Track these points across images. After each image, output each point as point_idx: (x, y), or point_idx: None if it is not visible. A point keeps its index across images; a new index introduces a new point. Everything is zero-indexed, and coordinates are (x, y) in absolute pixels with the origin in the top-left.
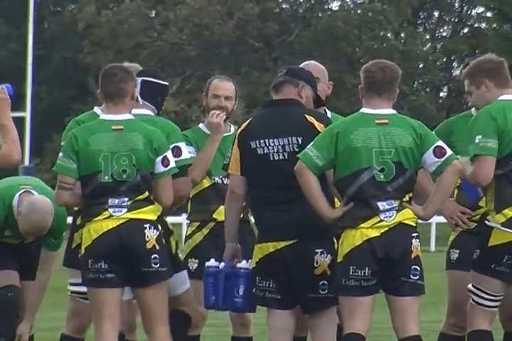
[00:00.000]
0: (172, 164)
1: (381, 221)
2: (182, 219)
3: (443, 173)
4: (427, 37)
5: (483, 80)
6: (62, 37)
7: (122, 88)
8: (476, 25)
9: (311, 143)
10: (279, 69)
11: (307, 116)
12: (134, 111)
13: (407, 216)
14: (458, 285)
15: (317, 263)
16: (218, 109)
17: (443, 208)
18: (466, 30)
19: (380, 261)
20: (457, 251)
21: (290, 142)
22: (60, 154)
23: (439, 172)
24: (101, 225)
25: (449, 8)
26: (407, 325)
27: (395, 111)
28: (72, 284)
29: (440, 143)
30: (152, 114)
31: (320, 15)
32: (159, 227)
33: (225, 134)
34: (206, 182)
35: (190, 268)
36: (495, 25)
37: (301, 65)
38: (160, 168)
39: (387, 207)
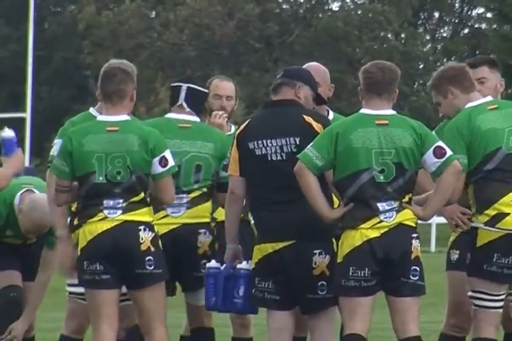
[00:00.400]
0: (171, 163)
1: (381, 221)
2: None
3: (443, 174)
4: (428, 37)
5: (449, 88)
6: (63, 37)
7: (122, 89)
8: (476, 25)
9: (311, 144)
10: (280, 69)
11: (305, 117)
12: (185, 117)
13: (407, 216)
14: (458, 286)
15: (315, 264)
16: (221, 109)
17: (443, 209)
18: (466, 30)
19: (380, 262)
20: (457, 251)
21: (288, 142)
22: (56, 155)
23: (439, 173)
24: (96, 227)
25: (449, 8)
26: (407, 326)
27: (394, 112)
28: (69, 285)
29: (440, 143)
30: (198, 119)
31: (320, 15)
32: (155, 229)
33: (226, 134)
34: None
35: None
36: (495, 26)
37: (303, 67)
38: (158, 169)
39: (387, 207)
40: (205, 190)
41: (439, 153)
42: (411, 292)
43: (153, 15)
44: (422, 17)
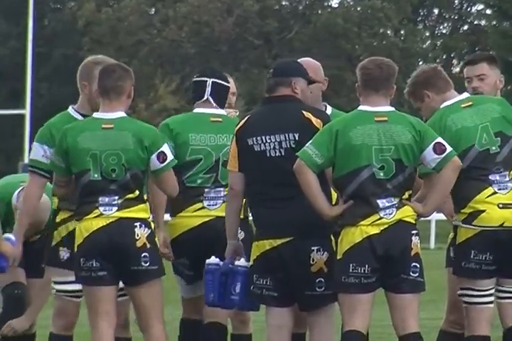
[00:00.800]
0: (170, 157)
1: (381, 218)
2: None
3: (443, 170)
4: (427, 34)
5: (424, 92)
6: (63, 34)
7: (120, 85)
8: (475, 22)
9: (310, 141)
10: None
11: (304, 112)
12: (214, 111)
13: (406, 213)
14: (458, 283)
15: (313, 261)
16: (228, 106)
17: (443, 205)
18: (465, 27)
19: (380, 259)
20: None
21: (287, 138)
22: (53, 151)
23: (439, 169)
24: (91, 224)
25: (448, 5)
26: (407, 322)
27: (393, 108)
28: (56, 283)
29: (440, 139)
30: (226, 114)
31: (319, 12)
32: (151, 225)
33: None
34: None
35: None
36: (494, 23)
37: None
38: (157, 165)
39: (387, 204)
40: None
41: (439, 149)
42: (411, 288)
43: (153, 12)
44: (422, 13)
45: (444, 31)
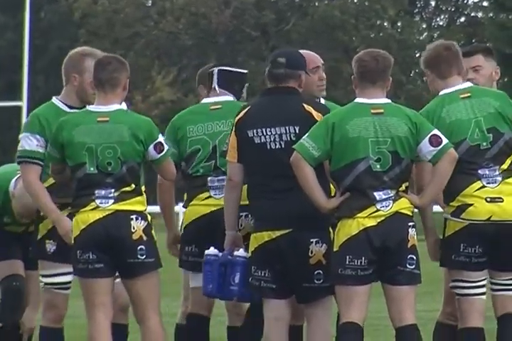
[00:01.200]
0: (166, 147)
1: (377, 210)
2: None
3: (439, 162)
4: (424, 26)
5: (426, 71)
6: (59, 26)
7: (116, 77)
8: (472, 14)
9: (307, 134)
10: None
11: (305, 105)
12: (216, 99)
13: (403, 205)
14: (449, 275)
15: (312, 253)
16: None
17: (439, 197)
18: (462, 19)
19: (377, 251)
20: None
21: (287, 131)
22: (49, 144)
23: (435, 161)
24: (88, 216)
25: None
26: (404, 314)
27: (389, 101)
28: (43, 276)
29: (436, 131)
30: (233, 99)
31: (317, 4)
32: (148, 218)
33: None
34: None
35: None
36: (491, 15)
37: None
38: (155, 155)
39: (384, 196)
40: None
41: (435, 141)
42: (407, 280)
43: (150, 4)
44: (419, 5)
45: (440, 23)
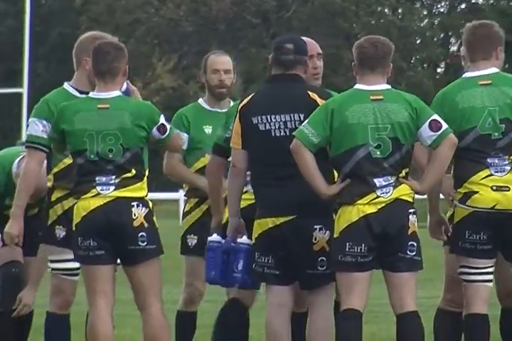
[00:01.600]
0: (168, 126)
1: (378, 197)
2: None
3: (439, 147)
4: (425, 13)
5: (463, 48)
6: (60, 13)
7: (115, 67)
8: (473, 0)
9: (306, 121)
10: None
11: (310, 93)
12: None
13: (403, 192)
14: (455, 261)
15: (316, 239)
16: (220, 84)
17: (440, 184)
18: (463, 5)
19: (377, 237)
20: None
21: (292, 119)
22: (51, 128)
23: (435, 146)
24: (89, 203)
25: None
26: (405, 301)
27: (389, 86)
28: (52, 261)
29: (436, 116)
30: None
31: None
32: (149, 204)
33: (225, 110)
34: (205, 160)
35: (190, 244)
36: (492, 1)
37: None
38: (159, 137)
39: (384, 183)
40: None
41: (434, 126)
42: (408, 267)
43: None
44: None
45: (441, 10)
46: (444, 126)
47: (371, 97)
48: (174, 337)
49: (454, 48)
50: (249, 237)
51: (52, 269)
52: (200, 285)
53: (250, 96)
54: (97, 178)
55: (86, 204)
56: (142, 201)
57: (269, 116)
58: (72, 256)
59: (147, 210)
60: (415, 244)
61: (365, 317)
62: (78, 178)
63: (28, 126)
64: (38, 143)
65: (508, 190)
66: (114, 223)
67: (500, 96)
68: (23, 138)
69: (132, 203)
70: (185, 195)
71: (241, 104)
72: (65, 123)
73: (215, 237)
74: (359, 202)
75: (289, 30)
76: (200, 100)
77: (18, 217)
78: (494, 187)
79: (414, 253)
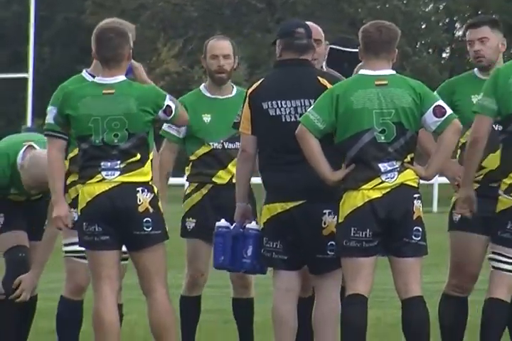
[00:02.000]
0: (173, 106)
1: (383, 182)
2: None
3: (443, 132)
4: None
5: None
6: None
7: (119, 53)
8: None
9: (312, 106)
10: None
11: (320, 78)
12: None
13: (408, 177)
14: (460, 246)
15: (325, 224)
16: (219, 69)
17: (445, 169)
18: None
19: (382, 222)
20: None
21: (302, 104)
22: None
23: (440, 132)
24: (94, 188)
25: None
26: (410, 286)
27: (394, 72)
28: (65, 245)
29: (440, 102)
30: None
31: None
32: (154, 189)
33: (227, 96)
34: (205, 148)
35: (188, 227)
36: None
37: None
38: (166, 118)
39: (389, 168)
40: None
41: (439, 112)
42: (413, 252)
43: None
44: None
45: None
46: (449, 111)
47: (376, 82)
48: (179, 322)
49: (459, 33)
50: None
51: (66, 252)
52: (202, 266)
53: (260, 81)
54: (102, 163)
55: (91, 190)
56: (147, 186)
57: (279, 102)
58: None
59: (152, 195)
60: (420, 229)
61: (370, 302)
62: (83, 163)
63: (34, 111)
64: (53, 130)
65: None
66: (119, 208)
67: None
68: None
69: (137, 188)
70: (186, 180)
71: (250, 89)
72: (70, 108)
73: (223, 222)
74: (364, 187)
75: (294, 16)
76: (202, 86)
77: (57, 202)
78: None
79: (419, 238)
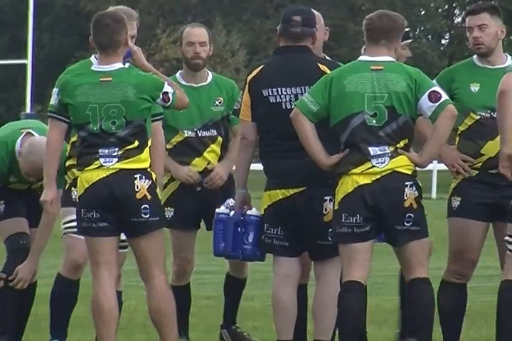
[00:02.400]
0: (170, 92)
1: (372, 167)
2: None
3: (438, 118)
4: None
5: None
6: None
7: (116, 40)
8: None
9: (308, 91)
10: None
11: (320, 65)
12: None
13: (401, 163)
14: (459, 233)
15: (326, 211)
16: (195, 56)
17: (444, 156)
18: None
19: (371, 208)
20: (459, 198)
21: (303, 91)
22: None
23: (435, 118)
24: (92, 175)
25: None
26: (413, 270)
27: (392, 59)
28: (64, 223)
29: (436, 88)
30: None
31: None
32: (152, 176)
33: (201, 84)
34: (179, 137)
35: (167, 216)
36: None
37: None
38: (164, 104)
39: (379, 152)
40: None
41: (434, 97)
42: (407, 238)
43: None
44: None
45: None
46: (444, 97)
47: (371, 67)
48: None
49: (458, 20)
50: None
51: (65, 229)
52: (189, 254)
53: (260, 68)
54: (100, 150)
55: (89, 176)
56: (145, 173)
57: (280, 89)
58: None
59: (150, 182)
60: (413, 216)
61: (369, 288)
62: (81, 150)
63: (33, 97)
64: (60, 113)
65: None
66: (116, 195)
67: None
68: (28, 109)
69: (135, 175)
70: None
71: (250, 76)
72: (68, 96)
73: (222, 209)
74: (353, 171)
75: (293, 2)
76: (178, 74)
77: (48, 185)
78: None
79: (410, 223)
